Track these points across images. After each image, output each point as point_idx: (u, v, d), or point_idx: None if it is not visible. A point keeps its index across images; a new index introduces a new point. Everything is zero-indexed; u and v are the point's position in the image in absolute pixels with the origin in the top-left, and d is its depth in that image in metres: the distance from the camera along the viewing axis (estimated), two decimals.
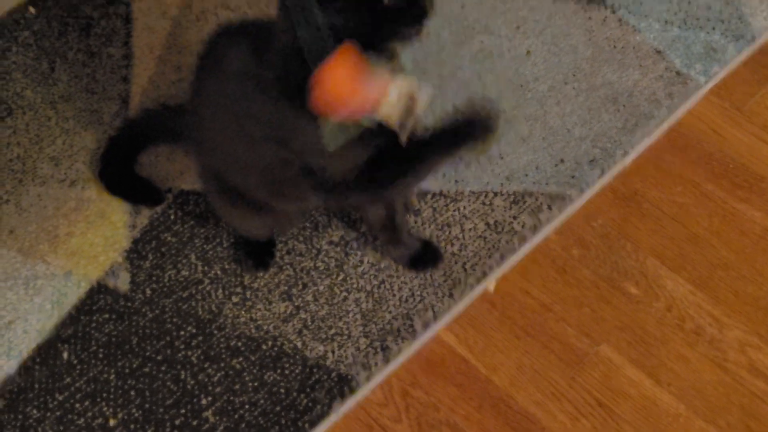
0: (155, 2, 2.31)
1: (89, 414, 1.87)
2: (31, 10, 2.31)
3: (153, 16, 2.30)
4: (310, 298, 1.98)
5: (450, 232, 2.05)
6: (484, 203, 2.07)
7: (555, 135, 2.15)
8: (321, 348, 1.93)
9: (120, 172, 2.10)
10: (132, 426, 1.85)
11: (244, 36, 1.67)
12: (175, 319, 1.97)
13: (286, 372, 1.91)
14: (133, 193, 2.10)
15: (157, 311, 1.98)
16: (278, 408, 1.87)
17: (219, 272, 2.02)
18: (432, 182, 2.09)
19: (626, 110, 2.17)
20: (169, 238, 2.06)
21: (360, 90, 1.39)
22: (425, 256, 2.00)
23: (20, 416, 1.86)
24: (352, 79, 1.38)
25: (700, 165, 2.13)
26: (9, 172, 2.13)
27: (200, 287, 2.00)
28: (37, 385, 1.90)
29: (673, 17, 2.26)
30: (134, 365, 1.92)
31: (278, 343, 1.94)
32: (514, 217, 2.06)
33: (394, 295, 1.98)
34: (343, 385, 1.89)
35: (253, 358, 1.93)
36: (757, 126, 2.16)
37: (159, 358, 1.93)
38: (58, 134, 2.17)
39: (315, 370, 1.91)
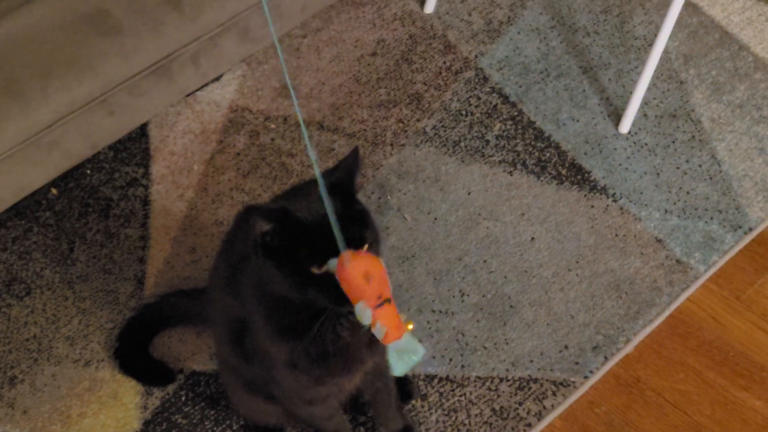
0: (173, 185, 2.40)
1: None
2: (53, 191, 2.39)
3: (170, 198, 2.38)
4: None
5: (456, 418, 2.08)
6: (490, 389, 2.11)
7: (559, 321, 2.20)
8: None
9: (134, 353, 2.14)
10: None
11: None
12: None
13: None
14: (145, 373, 2.14)
15: None
16: None
17: None
18: (439, 366, 2.14)
19: (628, 297, 2.23)
20: (179, 420, 2.09)
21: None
22: (396, 387, 2.02)
23: None
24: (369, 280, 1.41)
25: (700, 352, 2.18)
26: (25, 351, 2.18)
27: None
28: None
29: (672, 207, 2.34)
30: None
31: None
32: (520, 403, 2.10)
33: None
34: None
35: None
36: (755, 314, 2.21)
37: None
38: (75, 314, 2.22)
39: None
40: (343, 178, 1.48)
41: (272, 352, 1.61)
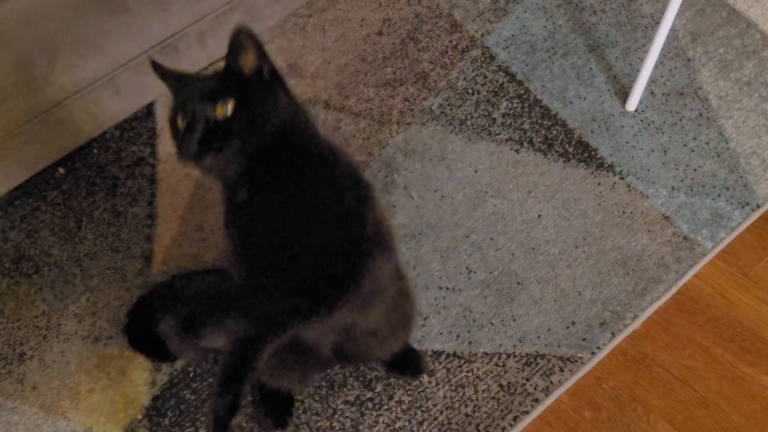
0: (179, 164, 2.39)
1: None
2: (61, 170, 2.40)
3: (177, 177, 2.38)
4: None
5: (464, 393, 2.08)
6: (497, 364, 2.12)
7: (566, 297, 2.20)
8: None
9: (144, 329, 2.15)
10: None
11: None
12: None
13: None
14: (154, 349, 2.14)
15: None
16: None
17: (236, 431, 2.05)
18: (446, 343, 2.14)
19: (635, 274, 2.23)
20: (188, 396, 2.09)
21: None
22: (405, 363, 2.05)
23: None
24: None
25: (708, 328, 2.17)
26: (34, 328, 2.19)
27: None
28: None
29: (679, 184, 2.34)
30: None
31: None
32: (527, 379, 2.10)
33: None
34: None
35: None
36: (763, 291, 2.21)
37: None
38: (83, 291, 2.23)
39: None
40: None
41: None
